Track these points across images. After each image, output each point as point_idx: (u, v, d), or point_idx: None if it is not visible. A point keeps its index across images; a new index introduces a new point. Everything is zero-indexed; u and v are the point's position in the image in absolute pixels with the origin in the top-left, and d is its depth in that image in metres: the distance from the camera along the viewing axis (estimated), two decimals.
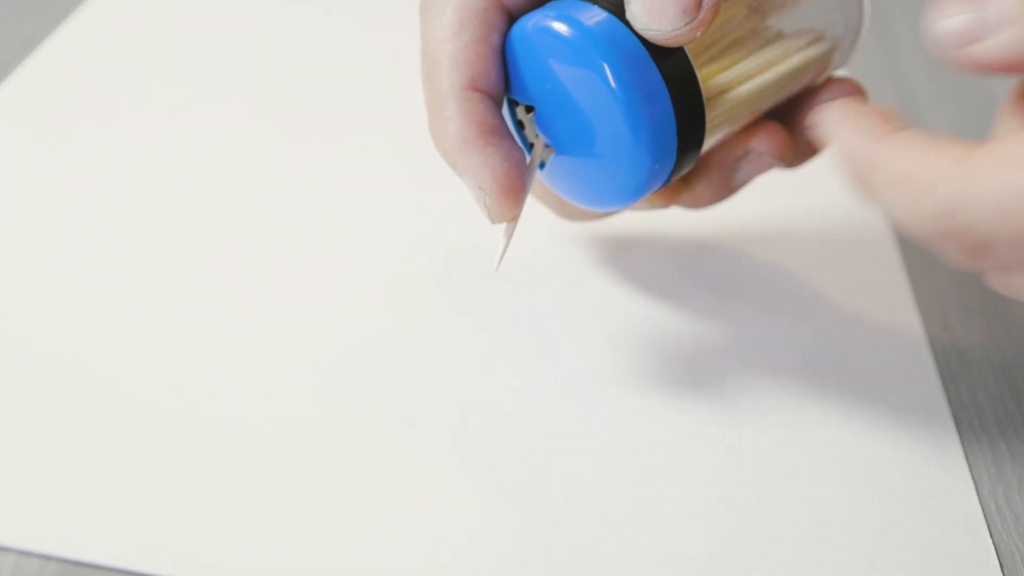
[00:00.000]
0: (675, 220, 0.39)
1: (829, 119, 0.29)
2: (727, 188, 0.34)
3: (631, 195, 0.29)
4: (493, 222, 0.29)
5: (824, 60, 0.33)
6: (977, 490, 0.32)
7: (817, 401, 0.34)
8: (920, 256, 0.40)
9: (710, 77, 0.29)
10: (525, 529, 0.28)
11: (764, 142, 0.33)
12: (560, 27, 0.28)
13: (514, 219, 0.29)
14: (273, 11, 0.51)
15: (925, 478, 0.32)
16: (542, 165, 0.31)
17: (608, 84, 0.27)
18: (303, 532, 0.27)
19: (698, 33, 0.28)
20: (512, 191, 0.29)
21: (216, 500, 0.28)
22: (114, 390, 0.31)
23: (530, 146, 0.31)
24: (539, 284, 0.37)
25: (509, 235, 0.29)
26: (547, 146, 0.30)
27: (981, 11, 0.27)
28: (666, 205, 0.34)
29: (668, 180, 0.30)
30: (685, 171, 0.30)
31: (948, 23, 0.27)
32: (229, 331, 0.33)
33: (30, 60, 0.44)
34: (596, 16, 0.28)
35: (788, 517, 0.30)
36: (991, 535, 0.30)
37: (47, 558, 0.26)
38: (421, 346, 0.34)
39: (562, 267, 0.38)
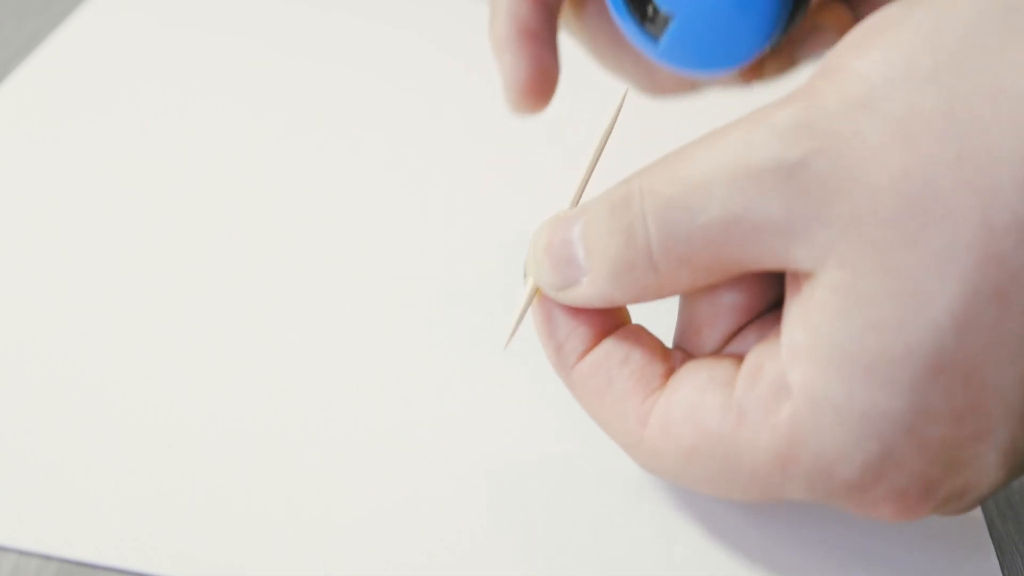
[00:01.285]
0: None
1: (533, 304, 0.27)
2: (791, 62, 0.34)
3: (755, 44, 0.31)
4: (514, 111, 0.33)
5: None
6: None
7: None
8: None
9: None
10: (524, 528, 0.28)
11: (830, 19, 0.33)
12: None
13: (535, 108, 0.33)
14: (274, 12, 0.51)
15: None
16: (657, 39, 0.31)
17: None
18: (303, 532, 0.27)
19: None
20: (531, 93, 0.32)
21: (216, 500, 0.28)
22: (114, 390, 0.31)
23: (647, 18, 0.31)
24: None
25: (520, 315, 0.28)
26: (665, 14, 0.31)
27: (569, 254, 0.26)
28: (749, 81, 0.35)
29: (785, 29, 0.31)
30: (797, 22, 0.32)
31: (543, 266, 0.26)
32: (228, 331, 0.33)
33: (30, 60, 0.44)
34: None
35: (788, 517, 0.30)
36: (991, 535, 0.30)
37: (47, 558, 0.26)
38: (421, 346, 0.34)
39: None
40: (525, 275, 0.27)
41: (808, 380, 0.23)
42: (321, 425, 0.30)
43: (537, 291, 0.27)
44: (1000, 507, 0.31)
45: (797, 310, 0.23)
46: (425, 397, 0.32)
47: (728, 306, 0.26)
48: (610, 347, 0.26)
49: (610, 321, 0.27)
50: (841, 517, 0.30)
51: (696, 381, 0.25)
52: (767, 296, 0.26)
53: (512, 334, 0.28)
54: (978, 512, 0.31)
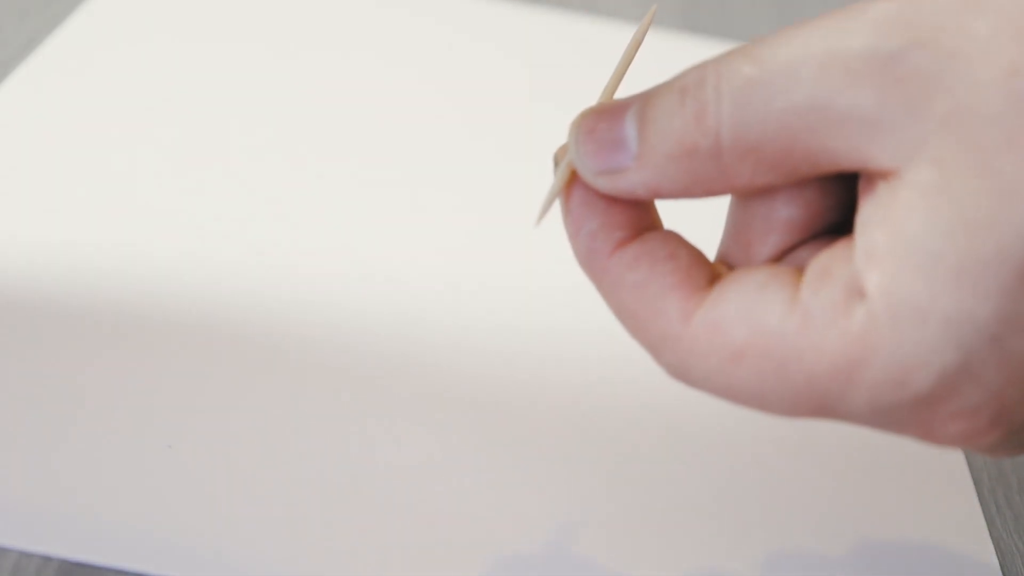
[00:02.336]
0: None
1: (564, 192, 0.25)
2: None
3: None
4: None
5: None
6: (977, 490, 0.32)
7: None
8: None
9: None
10: (525, 527, 0.28)
11: None
12: None
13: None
14: (274, 12, 0.51)
15: (925, 478, 0.32)
16: None
17: None
18: (303, 533, 0.27)
19: None
20: None
21: (216, 500, 0.28)
22: (113, 390, 0.31)
23: None
24: (541, 282, 0.37)
25: (550, 198, 0.25)
26: None
27: (618, 136, 0.24)
28: None
29: None
30: None
31: (585, 147, 0.24)
32: (227, 332, 0.33)
33: (30, 60, 0.44)
34: None
35: (788, 517, 0.30)
36: (991, 535, 0.30)
37: (47, 558, 0.26)
38: (421, 346, 0.34)
39: (566, 266, 0.38)
40: (556, 162, 0.25)
41: (888, 282, 0.22)
42: (321, 425, 0.30)
43: (571, 176, 0.25)
44: (1000, 507, 0.31)
45: (876, 212, 0.22)
46: (425, 397, 0.32)
47: (783, 220, 0.24)
48: (653, 242, 0.24)
49: (647, 220, 0.25)
50: (841, 517, 0.30)
51: (753, 281, 0.23)
52: (826, 216, 0.24)
53: (543, 212, 0.25)
54: (978, 512, 0.31)
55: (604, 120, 0.24)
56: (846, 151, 0.22)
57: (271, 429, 0.30)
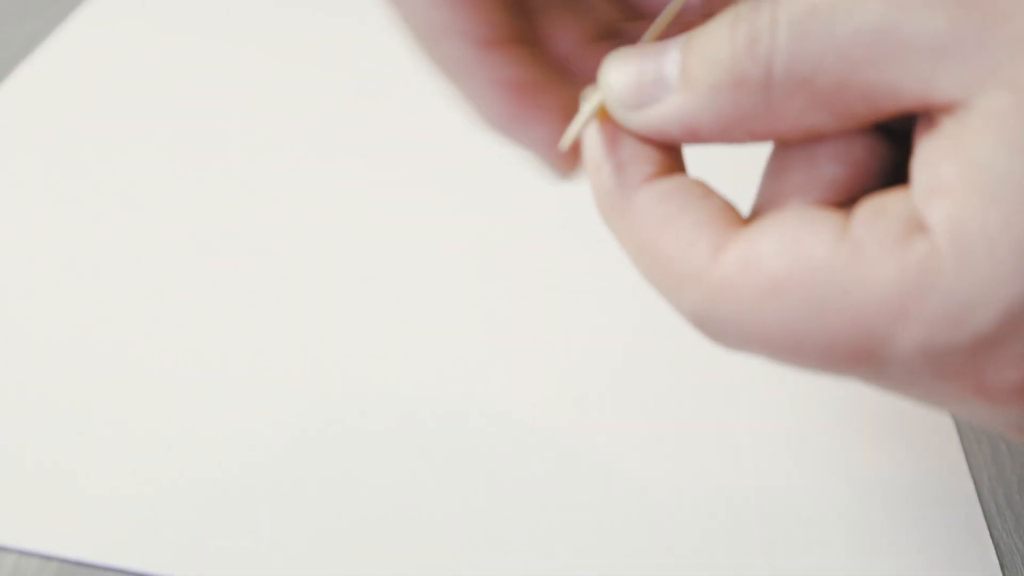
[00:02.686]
0: None
1: (587, 130, 0.24)
2: None
3: None
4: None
5: None
6: (977, 490, 0.32)
7: (817, 402, 0.34)
8: None
9: None
10: (522, 526, 0.28)
11: None
12: None
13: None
14: (273, 14, 0.51)
15: (925, 478, 0.32)
16: None
17: None
18: (303, 534, 0.27)
19: None
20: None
21: (216, 500, 0.28)
22: (113, 391, 0.31)
23: None
24: (541, 282, 0.37)
25: (577, 129, 0.24)
26: None
27: (657, 68, 0.22)
28: None
29: None
30: None
31: (619, 78, 0.23)
32: (227, 333, 0.33)
33: (30, 60, 0.44)
34: None
35: (788, 517, 0.30)
36: (991, 535, 0.30)
37: (47, 558, 0.26)
38: (421, 346, 0.34)
39: (566, 264, 0.38)
40: (583, 98, 0.24)
41: (957, 212, 0.20)
42: (321, 426, 0.30)
43: (599, 113, 0.23)
44: (1000, 507, 0.31)
45: (939, 145, 0.20)
46: (425, 396, 0.32)
47: (827, 178, 0.22)
48: (687, 182, 0.22)
49: (677, 165, 0.23)
50: (841, 517, 0.30)
51: (797, 216, 0.21)
52: (871, 180, 0.23)
53: (569, 141, 0.24)
54: (978, 512, 0.31)
55: (643, 52, 0.23)
56: (910, 83, 0.20)
57: (271, 430, 0.30)
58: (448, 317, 0.35)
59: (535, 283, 0.37)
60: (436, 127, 0.45)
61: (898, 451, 0.32)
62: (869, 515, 0.30)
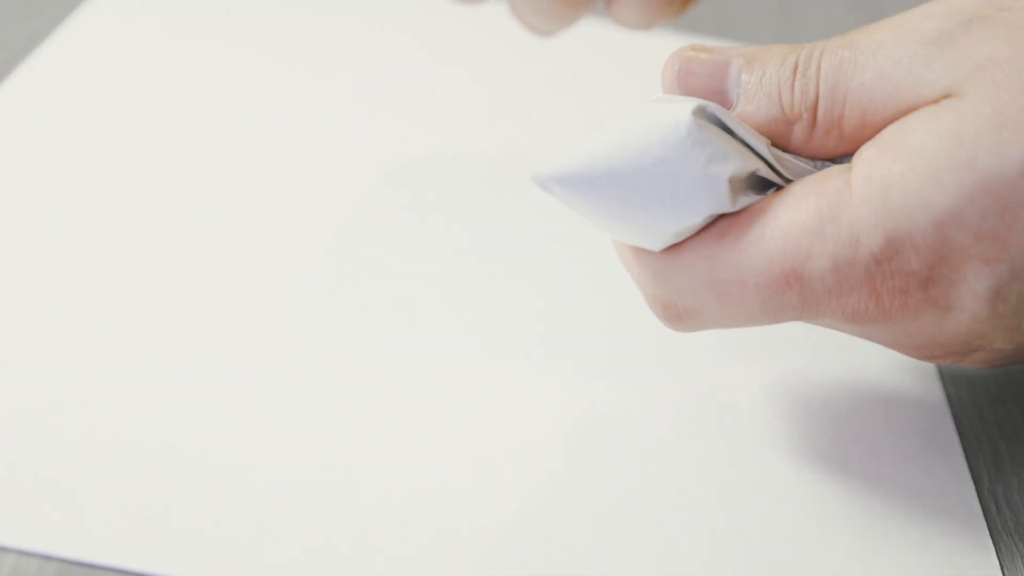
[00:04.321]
0: None
1: None
2: None
3: None
4: None
5: None
6: (977, 490, 0.32)
7: (816, 402, 0.34)
8: None
9: None
10: (522, 525, 0.28)
11: None
12: None
13: None
14: (274, 15, 0.51)
15: (925, 478, 0.32)
16: None
17: None
18: (304, 534, 0.27)
19: None
20: None
21: (216, 500, 0.28)
22: (113, 390, 0.31)
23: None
24: (541, 282, 0.37)
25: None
26: None
27: (723, 79, 0.29)
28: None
29: None
30: None
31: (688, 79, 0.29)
32: (228, 332, 0.33)
33: (30, 60, 0.44)
34: None
35: (786, 516, 0.30)
36: (991, 535, 0.30)
37: (47, 558, 0.26)
38: (421, 345, 0.34)
39: (568, 266, 0.38)
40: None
41: (871, 155, 0.26)
42: (321, 425, 0.30)
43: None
44: (1000, 507, 0.31)
45: (894, 125, 0.27)
46: (425, 397, 0.32)
47: None
48: None
49: None
50: (840, 517, 0.30)
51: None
52: None
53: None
54: (978, 512, 0.31)
55: (708, 67, 0.29)
56: (901, 110, 0.27)
57: (272, 430, 0.30)
58: (448, 317, 0.35)
59: (536, 283, 0.37)
60: (436, 127, 0.45)
61: (898, 451, 0.32)
62: (868, 515, 0.30)
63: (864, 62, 0.27)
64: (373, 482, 0.29)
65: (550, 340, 0.35)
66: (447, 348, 0.34)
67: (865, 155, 0.27)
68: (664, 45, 0.42)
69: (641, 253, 0.29)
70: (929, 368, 0.36)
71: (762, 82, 0.28)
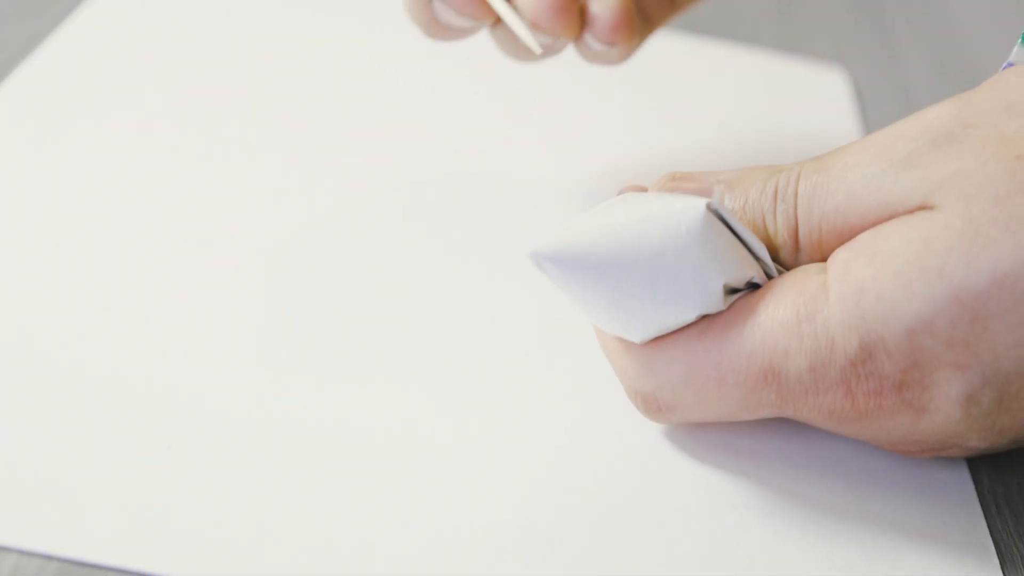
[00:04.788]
0: None
1: None
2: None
3: None
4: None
5: None
6: (977, 490, 0.32)
7: None
8: None
9: None
10: (522, 525, 0.28)
11: None
12: None
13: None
14: (274, 14, 0.51)
15: (925, 478, 0.32)
16: None
17: None
18: (305, 534, 0.27)
19: None
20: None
21: (216, 500, 0.28)
22: (113, 390, 0.31)
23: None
24: (541, 282, 0.37)
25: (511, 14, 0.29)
26: None
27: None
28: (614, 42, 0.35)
29: None
30: None
31: None
32: (229, 332, 0.33)
33: (30, 60, 0.44)
34: None
35: (787, 516, 0.30)
36: (991, 535, 0.30)
37: (47, 558, 0.26)
38: (422, 346, 0.34)
39: None
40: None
41: (845, 257, 0.27)
42: (321, 425, 0.30)
43: None
44: (1000, 507, 0.31)
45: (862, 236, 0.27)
46: (425, 397, 0.32)
47: None
48: None
49: None
50: (840, 516, 0.30)
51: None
52: None
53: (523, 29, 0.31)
54: (978, 511, 0.31)
55: (690, 185, 0.30)
56: (878, 218, 0.27)
57: (271, 430, 0.30)
58: (448, 317, 0.35)
59: (536, 283, 0.37)
60: (436, 127, 0.45)
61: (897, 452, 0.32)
62: (868, 515, 0.30)
63: (836, 186, 0.28)
64: (373, 482, 0.29)
65: (550, 340, 0.35)
66: (447, 348, 0.34)
67: (840, 257, 0.27)
68: (664, 45, 0.42)
69: (624, 344, 0.29)
70: None
71: (745, 208, 0.29)
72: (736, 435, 0.32)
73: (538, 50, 0.32)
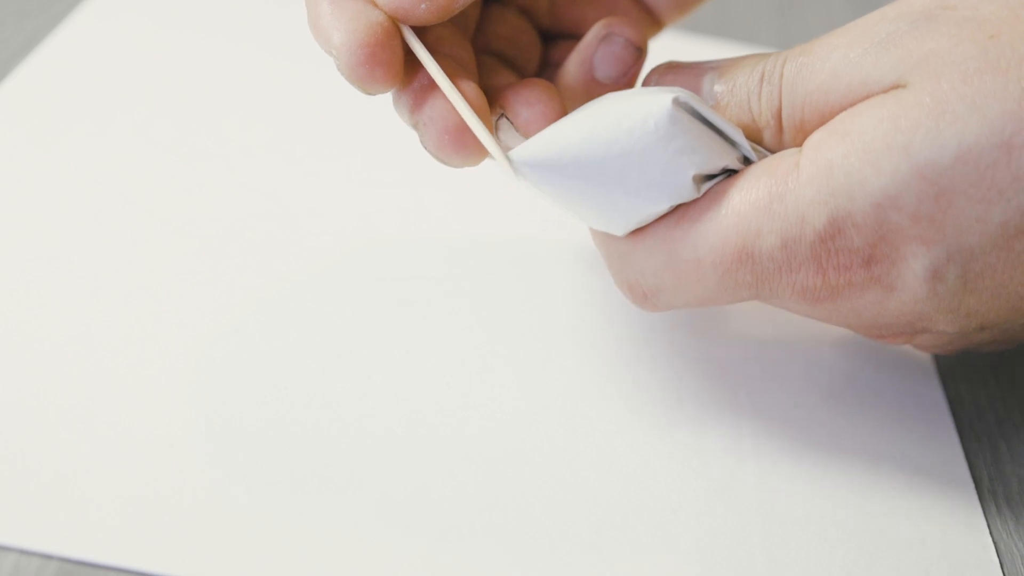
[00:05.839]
0: None
1: None
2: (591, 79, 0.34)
3: None
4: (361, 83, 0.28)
5: None
6: (977, 490, 0.32)
7: (816, 401, 0.34)
8: None
9: None
10: (522, 525, 0.28)
11: (620, 26, 0.33)
12: None
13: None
14: (273, 14, 0.51)
15: (925, 478, 0.32)
16: None
17: None
18: (305, 534, 0.27)
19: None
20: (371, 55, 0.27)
21: (216, 500, 0.28)
22: (114, 390, 0.31)
23: None
24: (541, 282, 0.37)
25: (497, 144, 0.29)
26: None
27: (697, 89, 0.30)
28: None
29: None
30: None
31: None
32: (229, 331, 0.33)
33: (30, 60, 0.44)
34: None
35: (787, 516, 0.30)
36: (991, 535, 0.30)
37: (47, 557, 0.26)
38: (423, 345, 0.34)
39: (568, 266, 0.38)
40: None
41: (818, 139, 0.27)
42: (322, 425, 0.30)
43: None
44: (1000, 507, 0.31)
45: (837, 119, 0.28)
46: (425, 397, 0.32)
47: None
48: None
49: None
50: (841, 517, 0.30)
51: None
52: None
53: (503, 158, 0.29)
54: (978, 512, 0.31)
55: (682, 77, 0.30)
56: (851, 101, 0.28)
57: (273, 430, 0.30)
58: (448, 317, 0.35)
59: (536, 282, 0.37)
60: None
61: (897, 450, 0.32)
62: (868, 514, 0.30)
63: (819, 65, 0.28)
64: (373, 482, 0.29)
65: (549, 340, 0.35)
66: (447, 348, 0.34)
67: (814, 138, 0.28)
68: (664, 45, 0.42)
69: (607, 237, 0.30)
70: (929, 368, 0.36)
71: (732, 91, 0.30)
72: (736, 435, 0.32)
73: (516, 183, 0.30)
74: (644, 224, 0.29)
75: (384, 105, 0.45)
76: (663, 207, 0.28)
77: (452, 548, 0.28)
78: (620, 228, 0.29)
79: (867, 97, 0.27)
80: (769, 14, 0.58)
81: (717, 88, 0.30)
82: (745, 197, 0.28)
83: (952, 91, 0.26)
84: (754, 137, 0.30)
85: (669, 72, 0.31)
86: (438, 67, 0.28)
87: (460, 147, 0.29)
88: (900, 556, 0.29)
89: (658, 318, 0.36)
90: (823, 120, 0.28)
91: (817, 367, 0.35)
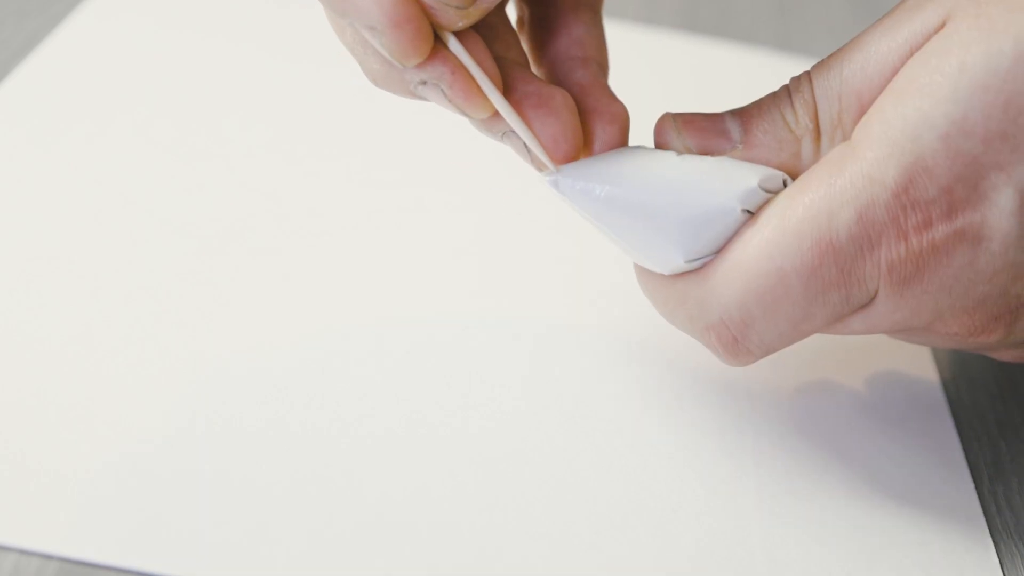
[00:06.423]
0: None
1: None
2: None
3: None
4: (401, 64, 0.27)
5: None
6: (977, 490, 0.32)
7: (816, 401, 0.34)
8: None
9: None
10: (522, 525, 0.28)
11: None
12: None
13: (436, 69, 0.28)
14: (273, 13, 0.51)
15: (925, 478, 0.32)
16: None
17: None
18: (305, 533, 0.27)
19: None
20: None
21: (216, 499, 0.28)
22: (114, 389, 0.31)
23: None
24: (541, 282, 0.37)
25: (520, 141, 0.29)
26: None
27: (721, 120, 0.29)
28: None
29: None
30: None
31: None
32: (229, 331, 0.33)
33: (29, 60, 0.44)
34: None
35: (787, 516, 0.30)
36: (991, 535, 0.30)
37: (47, 557, 0.26)
38: (424, 345, 0.34)
39: (568, 266, 0.38)
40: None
41: (864, 120, 0.27)
42: (322, 425, 0.30)
43: None
44: (1000, 507, 0.31)
45: (884, 96, 0.27)
46: (425, 397, 0.32)
47: None
48: None
49: None
50: (841, 517, 0.30)
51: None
52: None
53: (534, 148, 0.30)
54: (978, 512, 0.31)
55: (702, 118, 0.29)
56: (896, 68, 0.27)
57: (272, 430, 0.30)
58: (448, 317, 0.35)
59: (537, 282, 0.37)
60: (437, 126, 0.45)
61: (897, 451, 0.32)
62: (869, 515, 0.30)
63: (849, 52, 0.27)
64: (373, 482, 0.29)
65: (550, 340, 0.35)
66: (447, 348, 0.34)
67: (859, 124, 0.27)
68: (664, 45, 0.42)
69: (674, 287, 0.29)
70: (929, 369, 0.36)
71: (760, 111, 0.28)
72: (736, 434, 0.32)
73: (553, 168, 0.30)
74: (693, 267, 0.28)
75: (384, 105, 0.45)
76: (732, 217, 0.28)
77: (452, 548, 0.28)
78: (666, 265, 0.28)
79: (911, 55, 0.26)
80: (769, 14, 0.58)
81: (743, 114, 0.29)
82: (805, 189, 0.27)
83: (997, 4, 0.25)
84: (792, 152, 0.28)
85: (687, 129, 0.29)
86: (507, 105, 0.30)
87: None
88: (900, 556, 0.29)
89: (658, 318, 0.36)
90: (861, 103, 0.27)
91: (817, 370, 0.35)
